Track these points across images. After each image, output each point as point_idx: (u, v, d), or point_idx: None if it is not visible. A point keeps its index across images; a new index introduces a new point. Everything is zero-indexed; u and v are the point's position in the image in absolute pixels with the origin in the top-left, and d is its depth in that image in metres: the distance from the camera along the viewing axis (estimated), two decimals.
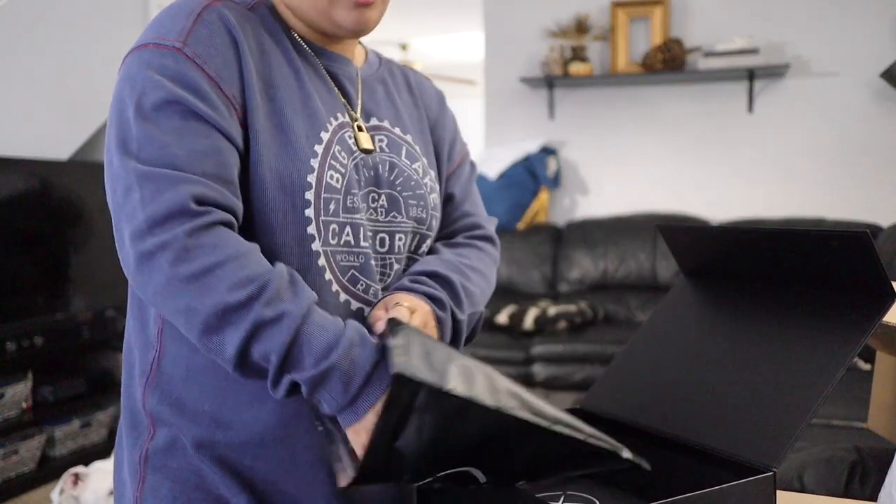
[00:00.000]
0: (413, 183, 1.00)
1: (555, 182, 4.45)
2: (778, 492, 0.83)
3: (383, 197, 0.97)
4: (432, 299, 0.96)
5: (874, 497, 1.13)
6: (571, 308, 3.83)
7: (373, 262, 0.96)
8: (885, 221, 3.82)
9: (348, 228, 0.93)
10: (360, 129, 0.97)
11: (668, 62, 4.12)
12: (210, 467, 0.90)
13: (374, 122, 1.00)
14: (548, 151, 4.45)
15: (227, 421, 0.89)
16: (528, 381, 3.65)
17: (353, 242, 0.93)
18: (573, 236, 4.30)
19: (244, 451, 0.90)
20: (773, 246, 0.98)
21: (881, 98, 4.05)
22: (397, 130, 1.02)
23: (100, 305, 3.67)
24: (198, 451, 0.90)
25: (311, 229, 0.89)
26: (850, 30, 4.08)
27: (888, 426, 1.59)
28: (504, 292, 4.30)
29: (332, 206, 0.90)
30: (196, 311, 0.78)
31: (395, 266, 0.99)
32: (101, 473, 2.53)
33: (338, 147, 0.92)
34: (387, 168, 0.98)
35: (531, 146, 4.41)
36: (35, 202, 3.46)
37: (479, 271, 1.06)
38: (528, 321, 3.77)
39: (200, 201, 0.80)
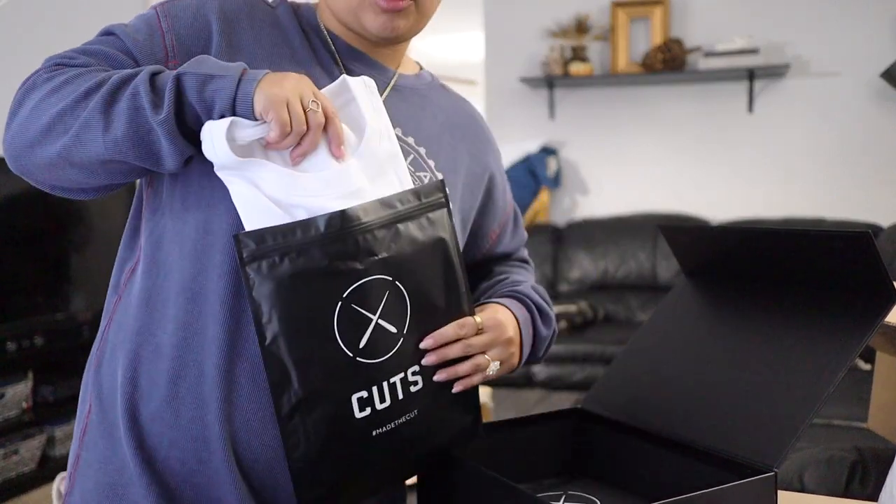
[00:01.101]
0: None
1: (555, 182, 4.45)
2: (778, 492, 0.83)
3: None
4: (531, 301, 1.02)
5: (875, 497, 1.13)
6: (571, 308, 3.83)
7: None
8: (885, 221, 3.82)
9: None
10: None
11: (669, 62, 4.12)
12: (132, 459, 0.87)
13: None
14: (548, 151, 4.46)
15: (149, 393, 0.87)
16: (528, 381, 3.66)
17: None
18: (573, 236, 4.30)
19: (160, 432, 0.86)
20: (774, 246, 0.98)
21: (881, 98, 4.05)
22: (410, 140, 0.99)
23: (100, 305, 3.65)
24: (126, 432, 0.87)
25: None
26: (850, 30, 4.08)
27: (888, 426, 1.59)
28: None
29: None
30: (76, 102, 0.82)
31: None
32: None
33: None
34: None
35: (531, 146, 4.41)
36: (35, 202, 3.46)
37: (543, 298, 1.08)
38: None
39: (67, 63, 0.87)
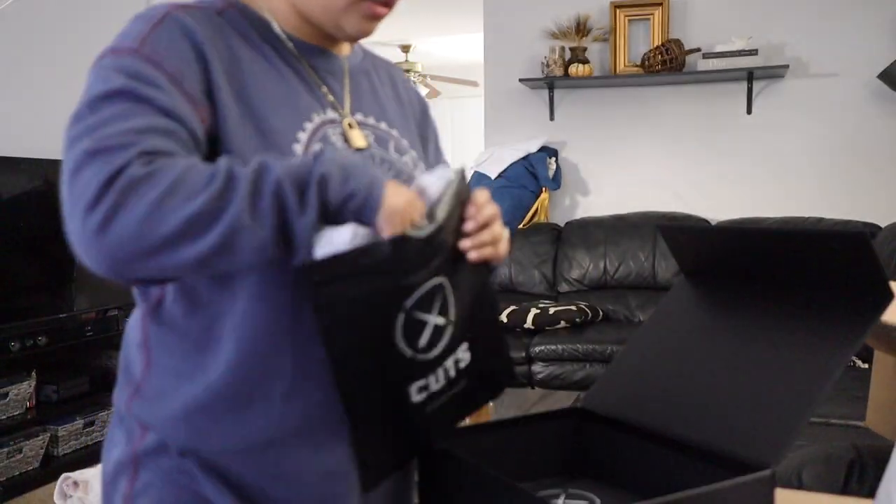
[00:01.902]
0: (405, 177, 0.99)
1: (555, 182, 4.46)
2: (777, 489, 0.84)
3: None
4: None
5: (872, 495, 1.15)
6: (571, 308, 3.84)
7: None
8: (882, 221, 3.83)
9: None
10: (350, 126, 0.95)
11: (668, 63, 4.13)
12: (198, 470, 0.89)
13: (359, 117, 0.98)
14: (548, 152, 4.46)
15: (208, 429, 0.88)
16: (528, 380, 3.67)
17: None
18: (573, 236, 4.31)
19: (232, 459, 0.89)
20: (772, 246, 0.99)
21: (879, 99, 4.06)
22: (383, 125, 1.01)
23: (103, 305, 3.67)
24: (183, 457, 0.89)
25: None
26: (848, 31, 4.09)
27: (886, 425, 1.60)
28: (504, 292, 4.31)
29: None
30: (176, 225, 0.72)
31: None
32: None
33: (318, 145, 0.90)
34: (377, 164, 0.97)
35: (531, 147, 4.42)
36: (39, 201, 3.47)
37: None
38: (529, 320, 3.78)
39: (150, 152, 0.76)
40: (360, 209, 0.79)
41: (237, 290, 0.87)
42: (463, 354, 0.92)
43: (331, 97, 0.96)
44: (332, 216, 0.78)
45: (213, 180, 0.74)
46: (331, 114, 0.94)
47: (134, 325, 0.94)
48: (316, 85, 0.95)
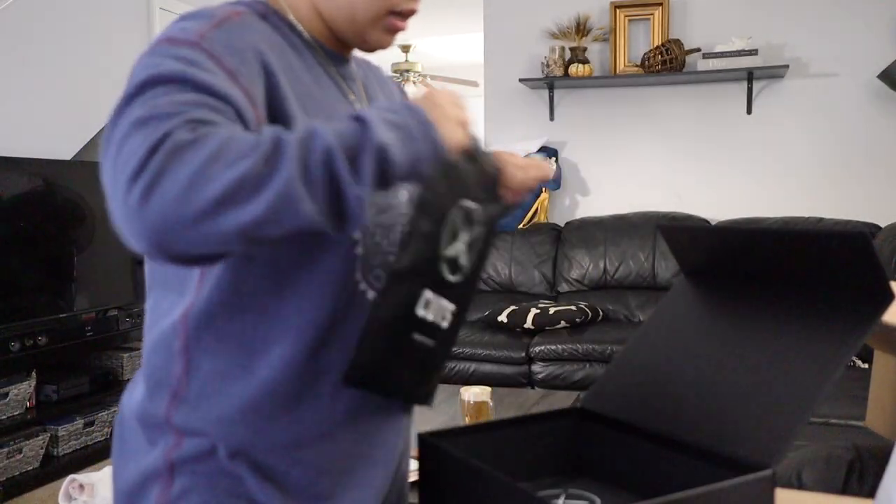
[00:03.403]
0: None
1: (555, 182, 4.46)
2: (777, 489, 0.84)
3: None
4: None
5: (872, 495, 1.15)
6: (571, 308, 3.84)
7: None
8: (882, 221, 3.83)
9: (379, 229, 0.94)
10: None
11: (668, 63, 4.13)
12: (245, 472, 0.89)
13: None
14: (548, 152, 4.47)
15: (262, 428, 0.89)
16: (528, 380, 3.67)
17: (380, 242, 0.94)
18: (573, 236, 4.31)
19: (281, 456, 0.90)
20: (772, 246, 0.99)
21: (879, 99, 4.07)
22: None
23: (103, 305, 3.68)
24: (233, 459, 0.89)
25: (358, 235, 0.90)
26: (848, 31, 4.09)
27: (886, 424, 1.60)
28: (504, 292, 4.31)
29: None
30: (246, 177, 0.69)
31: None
32: (109, 481, 2.53)
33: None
34: None
35: (531, 146, 4.43)
36: (38, 201, 3.47)
37: None
38: (529, 320, 3.78)
39: (198, 120, 0.72)
40: (428, 159, 0.80)
41: (285, 291, 0.88)
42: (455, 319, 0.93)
43: (357, 105, 0.99)
44: (395, 181, 0.78)
45: (259, 144, 0.71)
46: None
47: (167, 332, 0.91)
48: (345, 93, 0.98)
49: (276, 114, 0.84)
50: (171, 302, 0.92)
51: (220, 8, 0.88)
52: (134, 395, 0.96)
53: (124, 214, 0.69)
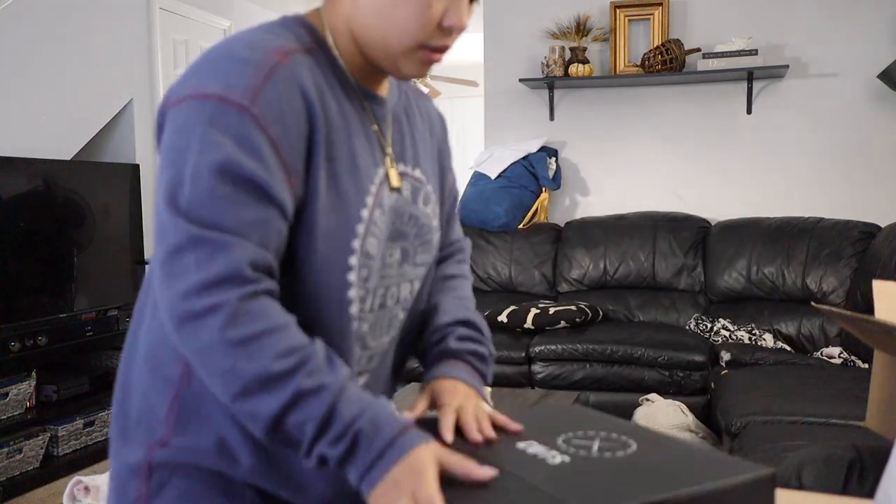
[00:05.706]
0: (425, 229, 1.03)
1: (555, 182, 4.46)
2: (777, 490, 0.84)
3: (397, 251, 0.99)
4: (477, 356, 1.06)
5: (872, 495, 1.15)
6: (571, 308, 3.84)
7: (387, 317, 1.00)
8: (882, 221, 3.83)
9: (381, 290, 0.97)
10: (391, 164, 0.98)
11: (668, 63, 4.13)
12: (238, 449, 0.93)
13: (401, 167, 1.00)
14: (548, 152, 4.47)
15: (235, 453, 0.92)
16: (528, 380, 3.67)
17: (383, 304, 0.98)
18: (573, 236, 4.31)
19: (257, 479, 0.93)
20: None
21: (879, 99, 4.07)
22: (417, 173, 1.03)
23: (103, 305, 3.68)
24: (221, 450, 0.92)
25: (352, 293, 0.92)
26: (848, 31, 4.09)
27: (886, 425, 1.60)
28: (504, 292, 4.31)
29: (367, 271, 0.93)
30: (237, 375, 0.80)
31: (400, 316, 1.03)
32: None
33: (378, 211, 0.94)
34: (405, 220, 0.99)
35: (531, 146, 4.43)
36: (38, 202, 3.47)
37: (472, 301, 1.17)
38: (529, 320, 3.78)
39: (254, 267, 0.82)
40: (359, 479, 0.81)
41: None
42: None
43: (388, 149, 0.99)
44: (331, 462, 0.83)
45: (291, 366, 0.81)
46: (381, 169, 0.97)
47: (145, 352, 0.96)
48: (375, 134, 0.98)
49: (306, 172, 0.88)
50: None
51: (274, 46, 0.87)
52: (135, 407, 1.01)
53: (168, 310, 0.82)
